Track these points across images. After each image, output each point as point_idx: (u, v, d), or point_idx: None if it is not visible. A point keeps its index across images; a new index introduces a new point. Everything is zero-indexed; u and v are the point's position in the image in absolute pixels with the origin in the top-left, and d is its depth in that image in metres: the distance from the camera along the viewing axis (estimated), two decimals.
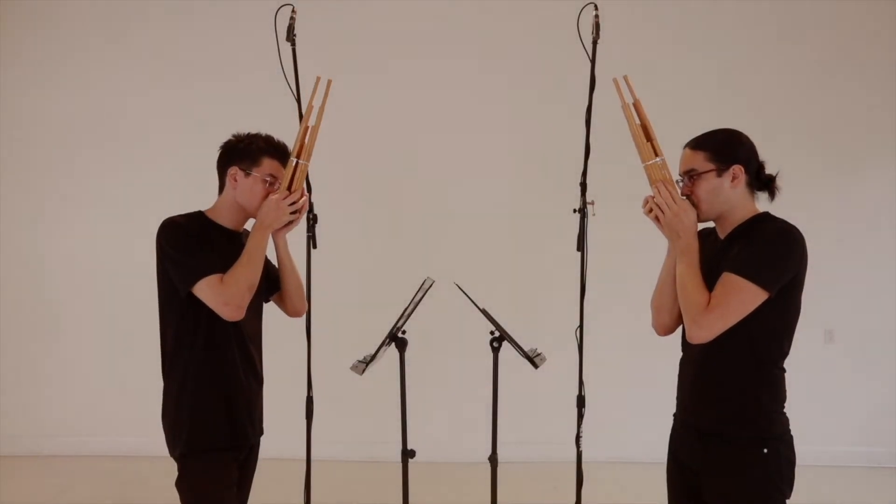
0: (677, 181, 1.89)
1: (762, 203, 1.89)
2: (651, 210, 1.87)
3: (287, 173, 2.02)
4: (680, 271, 1.81)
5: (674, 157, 1.93)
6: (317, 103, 2.08)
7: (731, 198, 1.83)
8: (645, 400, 4.08)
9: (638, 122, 1.93)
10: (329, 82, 2.11)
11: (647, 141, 1.91)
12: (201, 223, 2.00)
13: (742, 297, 1.70)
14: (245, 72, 4.34)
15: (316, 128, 2.07)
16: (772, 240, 1.74)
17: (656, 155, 1.89)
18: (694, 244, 1.82)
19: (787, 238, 1.74)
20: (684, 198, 1.85)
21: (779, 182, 1.88)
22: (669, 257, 1.91)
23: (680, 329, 1.98)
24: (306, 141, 2.05)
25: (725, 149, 1.83)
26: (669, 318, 1.96)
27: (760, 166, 1.88)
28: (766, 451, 1.75)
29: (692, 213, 1.83)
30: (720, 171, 1.82)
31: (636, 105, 1.94)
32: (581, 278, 2.56)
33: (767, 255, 1.72)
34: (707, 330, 1.73)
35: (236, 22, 4.40)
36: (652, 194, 1.87)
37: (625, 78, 1.98)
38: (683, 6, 4.39)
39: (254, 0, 4.17)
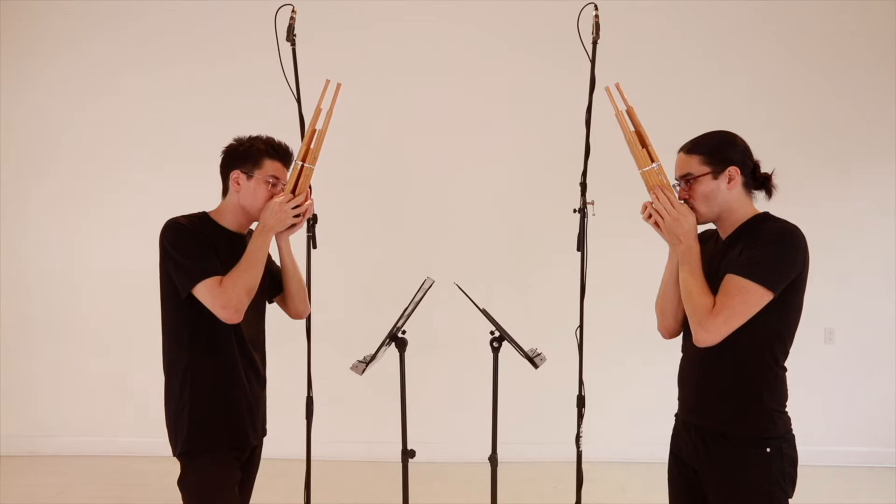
0: (674, 185, 1.90)
1: (761, 202, 1.89)
2: (650, 216, 1.88)
3: (292, 176, 2.02)
4: (683, 276, 1.82)
5: (673, 157, 1.94)
6: (325, 106, 2.07)
7: (728, 199, 1.83)
8: (645, 400, 4.09)
9: (632, 128, 1.94)
10: (339, 86, 2.09)
11: (643, 147, 1.92)
12: (204, 225, 1.99)
13: (747, 299, 1.70)
14: (246, 72, 4.33)
15: (323, 131, 2.06)
16: (774, 240, 1.74)
17: (652, 161, 1.90)
18: (695, 248, 1.82)
19: (789, 238, 1.74)
20: (682, 202, 1.86)
21: (775, 180, 1.89)
22: (671, 261, 1.91)
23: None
24: (312, 145, 2.05)
25: (720, 151, 1.84)
26: (674, 322, 1.96)
27: (755, 166, 1.88)
28: (768, 450, 1.75)
29: (691, 217, 1.84)
30: (716, 174, 1.83)
31: (629, 112, 1.95)
32: (581, 278, 2.57)
33: (771, 255, 1.72)
34: (714, 333, 1.73)
35: (237, 22, 4.39)
36: (650, 200, 1.88)
37: (616, 86, 1.99)
38: (683, 7, 4.39)
39: (254, 0, 4.18)
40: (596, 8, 2.46)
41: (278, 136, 2.08)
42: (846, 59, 4.36)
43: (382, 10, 4.40)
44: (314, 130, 2.06)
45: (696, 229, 1.85)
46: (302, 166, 2.02)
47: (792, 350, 1.82)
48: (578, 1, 2.49)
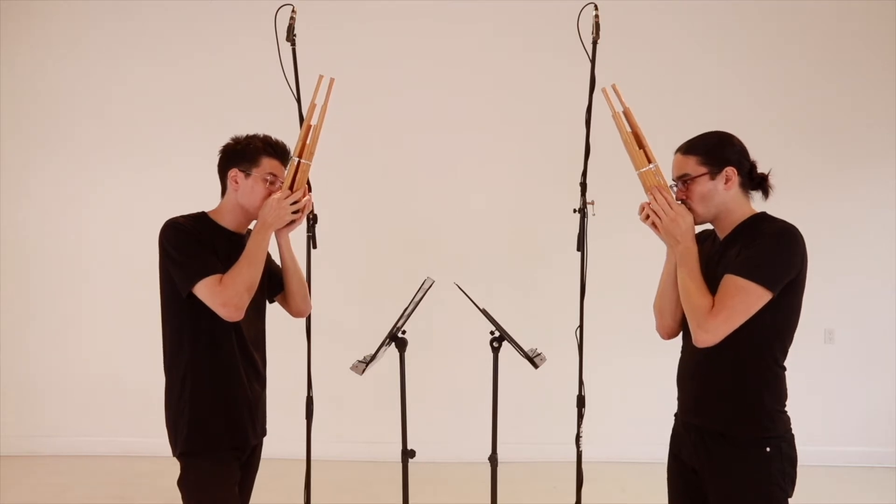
0: (671, 186, 1.90)
1: (759, 203, 1.90)
2: (648, 217, 1.88)
3: (289, 173, 2.03)
4: (681, 276, 1.82)
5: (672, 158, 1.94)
6: (319, 102, 2.08)
7: (725, 200, 1.84)
8: (645, 400, 4.09)
9: (629, 129, 1.95)
10: (332, 81, 2.10)
11: (640, 148, 1.92)
12: (203, 224, 2.00)
13: (746, 299, 1.70)
14: (246, 71, 4.33)
15: (318, 127, 2.07)
16: (773, 240, 1.74)
17: (649, 161, 1.91)
18: (693, 248, 1.83)
19: (787, 237, 1.74)
20: (680, 202, 1.86)
21: (772, 181, 1.89)
22: (669, 261, 1.92)
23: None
24: (308, 140, 2.05)
25: (716, 151, 1.84)
26: (672, 322, 1.96)
27: (752, 166, 1.89)
28: (768, 450, 1.75)
29: (689, 218, 1.84)
30: (713, 174, 1.83)
31: (626, 113, 1.96)
32: (581, 278, 2.57)
33: (769, 255, 1.72)
34: (713, 333, 1.73)
35: (237, 22, 4.39)
36: (647, 201, 1.89)
37: (613, 87, 2.00)
38: (683, 7, 4.39)
39: (254, 0, 4.18)
40: (596, 8, 2.46)
41: (279, 136, 2.08)
42: (846, 59, 4.36)
43: (383, 9, 4.40)
44: (309, 126, 2.07)
45: (694, 230, 1.85)
46: (298, 162, 2.03)
47: (792, 350, 1.82)
48: (578, 1, 2.49)
